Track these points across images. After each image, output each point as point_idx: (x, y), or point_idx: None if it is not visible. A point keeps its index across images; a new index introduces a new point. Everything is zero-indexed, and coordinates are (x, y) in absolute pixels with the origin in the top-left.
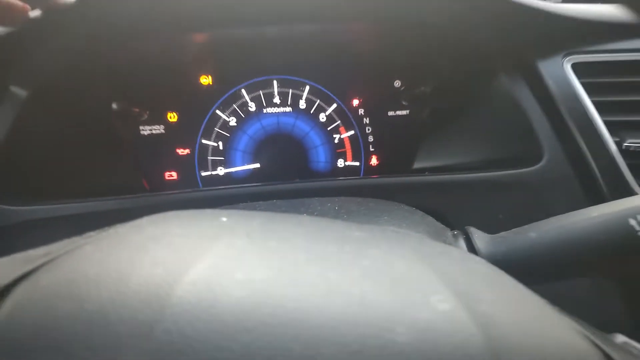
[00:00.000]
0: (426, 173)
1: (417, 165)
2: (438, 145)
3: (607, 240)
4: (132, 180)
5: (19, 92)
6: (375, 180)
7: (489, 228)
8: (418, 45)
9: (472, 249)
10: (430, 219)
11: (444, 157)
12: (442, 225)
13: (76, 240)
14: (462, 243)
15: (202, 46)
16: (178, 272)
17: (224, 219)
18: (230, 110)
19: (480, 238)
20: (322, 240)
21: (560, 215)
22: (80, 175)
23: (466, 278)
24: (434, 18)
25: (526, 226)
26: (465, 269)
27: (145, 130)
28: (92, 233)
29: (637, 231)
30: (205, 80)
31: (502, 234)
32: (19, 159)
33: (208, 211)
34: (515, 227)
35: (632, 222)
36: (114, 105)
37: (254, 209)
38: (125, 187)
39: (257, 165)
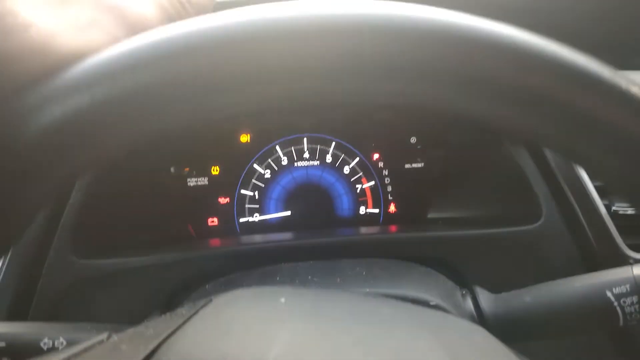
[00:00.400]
0: (439, 222)
1: (431, 215)
2: (450, 198)
3: (587, 308)
4: (180, 226)
5: None
6: (394, 235)
7: (495, 279)
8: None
9: (478, 308)
10: (442, 278)
11: (455, 209)
12: (453, 284)
13: (167, 321)
14: (469, 303)
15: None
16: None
17: (283, 300)
18: (265, 163)
19: (485, 299)
20: (362, 321)
21: (551, 282)
22: (139, 228)
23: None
24: None
25: (523, 290)
26: (470, 346)
27: (192, 182)
28: (181, 311)
29: (612, 302)
30: (245, 138)
31: (504, 295)
32: (90, 218)
33: (267, 290)
34: (518, 280)
35: (609, 294)
36: (172, 169)
37: (295, 270)
38: (173, 233)
39: (288, 213)
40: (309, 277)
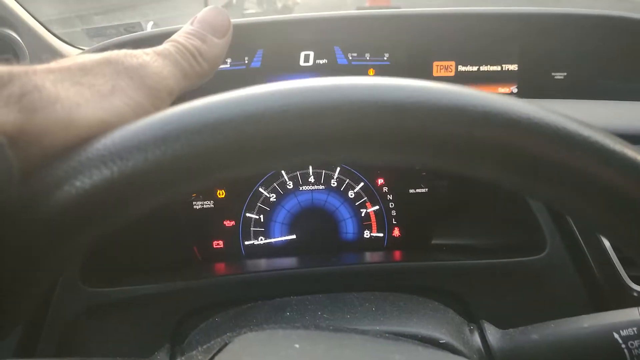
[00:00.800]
0: (444, 248)
1: (435, 240)
2: (454, 224)
3: (595, 349)
4: (186, 249)
5: None
6: (398, 264)
7: (500, 313)
8: None
9: (485, 343)
10: (451, 313)
11: (459, 236)
12: (461, 319)
13: None
14: (477, 338)
15: None
16: None
17: (297, 345)
18: (270, 187)
19: (492, 335)
20: None
21: (558, 320)
22: (145, 252)
23: None
24: None
25: (530, 327)
26: None
27: (197, 204)
28: (196, 356)
29: (620, 344)
30: None
31: (510, 331)
32: (97, 244)
33: (280, 334)
34: (523, 313)
35: (616, 335)
36: None
37: (304, 305)
38: (179, 256)
39: (294, 236)
40: (319, 312)
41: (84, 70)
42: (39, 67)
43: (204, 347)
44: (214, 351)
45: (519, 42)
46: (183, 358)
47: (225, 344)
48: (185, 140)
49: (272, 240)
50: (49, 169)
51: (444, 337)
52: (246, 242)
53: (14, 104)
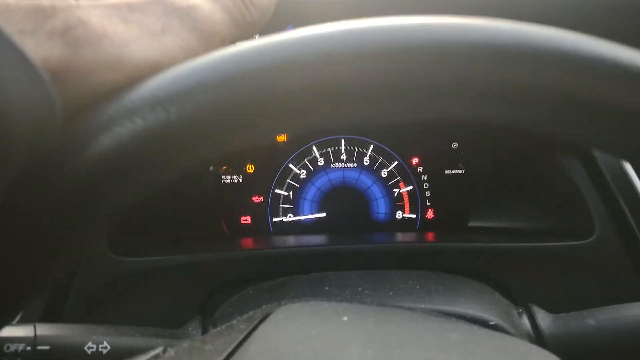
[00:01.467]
0: (481, 231)
1: (472, 223)
2: (493, 207)
3: None
4: (214, 224)
5: None
6: (433, 244)
7: (548, 297)
8: None
9: (535, 327)
10: (497, 295)
11: (498, 219)
12: (508, 302)
13: (224, 335)
14: (526, 322)
15: None
16: None
17: (345, 318)
18: (301, 164)
19: (542, 318)
20: (432, 346)
21: (615, 306)
22: (174, 225)
23: None
24: None
25: (585, 312)
26: None
27: (226, 179)
28: (237, 325)
29: None
30: (281, 137)
31: (563, 315)
32: (125, 214)
33: (326, 306)
34: (571, 298)
35: None
36: (211, 168)
37: (343, 280)
38: (207, 231)
39: (323, 214)
40: (359, 288)
41: (131, 7)
42: (83, 1)
43: (244, 316)
44: (256, 321)
45: None
46: (223, 327)
47: (268, 314)
48: (253, 81)
49: (301, 217)
50: (97, 110)
51: (493, 319)
52: (274, 219)
53: (58, 37)
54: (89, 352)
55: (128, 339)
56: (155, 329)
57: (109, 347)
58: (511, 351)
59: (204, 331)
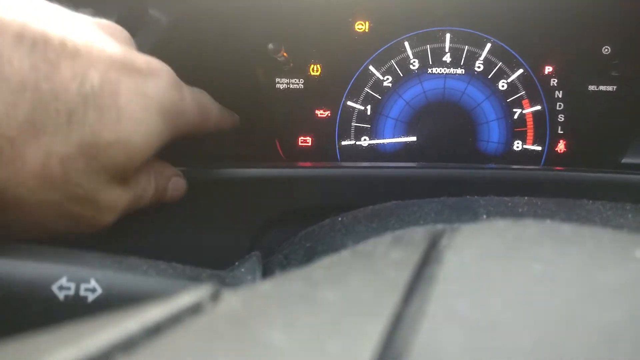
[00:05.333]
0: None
1: (625, 159)
2: None
3: None
4: (266, 142)
5: (159, 16)
6: (580, 174)
7: None
8: None
9: None
10: None
11: None
12: None
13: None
14: None
15: None
16: None
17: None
18: (386, 66)
19: None
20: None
21: None
22: (221, 141)
23: None
24: None
25: None
26: None
27: (282, 83)
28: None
29: None
30: (362, 27)
31: None
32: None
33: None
34: None
35: None
36: (270, 46)
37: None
38: (259, 150)
39: (413, 138)
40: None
41: None
42: None
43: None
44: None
45: None
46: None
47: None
48: None
49: (382, 141)
50: None
51: None
52: (343, 143)
53: None
54: (60, 295)
55: (133, 279)
56: (190, 267)
57: (99, 291)
58: None
59: (267, 273)
